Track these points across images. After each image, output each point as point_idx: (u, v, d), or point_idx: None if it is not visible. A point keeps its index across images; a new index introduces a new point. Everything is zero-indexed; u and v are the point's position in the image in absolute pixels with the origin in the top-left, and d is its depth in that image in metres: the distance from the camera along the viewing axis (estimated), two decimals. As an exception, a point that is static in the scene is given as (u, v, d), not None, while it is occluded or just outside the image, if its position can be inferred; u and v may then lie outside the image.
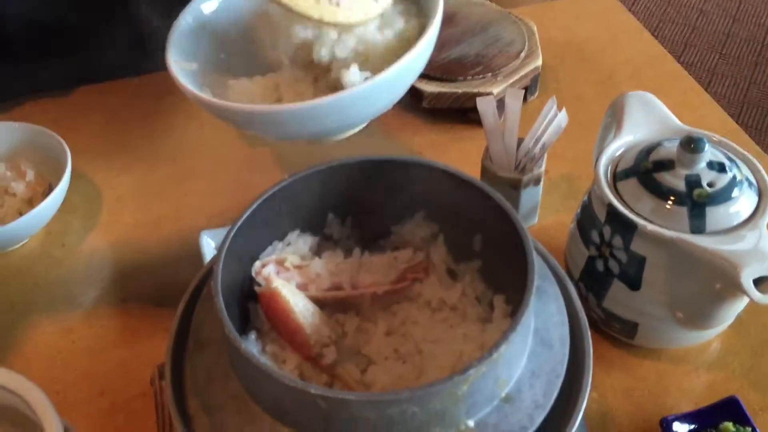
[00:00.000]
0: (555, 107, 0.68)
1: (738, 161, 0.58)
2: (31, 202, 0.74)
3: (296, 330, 0.46)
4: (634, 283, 0.57)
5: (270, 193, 0.49)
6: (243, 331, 0.48)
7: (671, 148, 0.57)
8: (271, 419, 0.41)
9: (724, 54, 2.21)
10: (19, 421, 0.49)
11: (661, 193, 0.55)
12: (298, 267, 0.50)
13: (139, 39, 0.88)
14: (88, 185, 0.80)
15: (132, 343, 0.65)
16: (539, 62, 0.85)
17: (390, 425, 0.38)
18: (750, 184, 0.56)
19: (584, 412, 0.44)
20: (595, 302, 0.61)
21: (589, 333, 0.47)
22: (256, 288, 0.48)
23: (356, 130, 0.54)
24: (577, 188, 0.77)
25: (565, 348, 0.45)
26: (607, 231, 0.58)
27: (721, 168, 0.56)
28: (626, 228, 0.56)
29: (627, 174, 0.58)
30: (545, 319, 0.46)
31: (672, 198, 0.55)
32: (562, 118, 0.67)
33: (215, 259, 0.45)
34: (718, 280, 0.52)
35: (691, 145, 0.55)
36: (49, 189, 0.73)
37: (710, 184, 0.55)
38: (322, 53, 0.50)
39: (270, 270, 0.49)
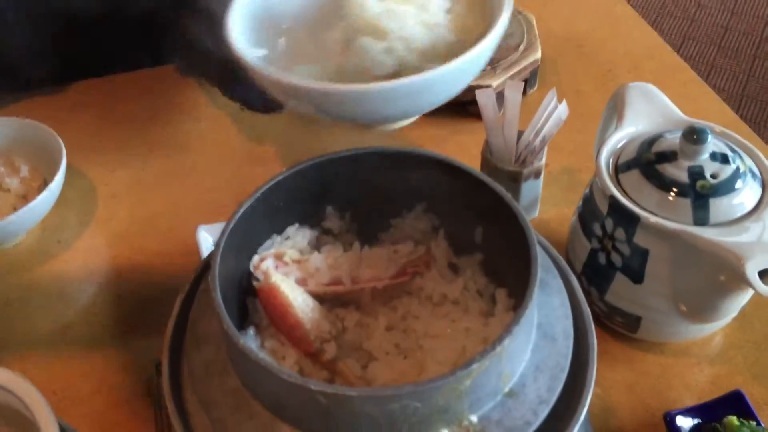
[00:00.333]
0: (555, 99, 0.67)
1: (741, 152, 0.57)
2: (25, 198, 0.73)
3: (296, 325, 0.46)
4: (636, 276, 0.56)
5: (267, 187, 0.48)
6: (241, 326, 0.47)
7: (674, 139, 0.56)
8: (270, 415, 0.41)
9: (723, 47, 2.21)
10: (14, 420, 0.49)
11: (663, 184, 0.55)
12: (296, 261, 0.49)
13: (138, 34, 0.88)
14: (83, 180, 0.79)
15: (129, 340, 0.65)
16: (539, 55, 0.84)
17: (392, 421, 0.38)
18: (753, 175, 0.56)
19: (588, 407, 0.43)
20: (598, 296, 0.60)
21: (593, 326, 0.47)
22: (255, 283, 0.47)
23: (412, 119, 0.53)
24: (577, 181, 0.76)
25: (568, 342, 0.44)
26: (609, 223, 0.57)
27: (724, 159, 0.55)
28: (629, 220, 0.55)
29: (629, 166, 0.57)
30: (548, 312, 0.45)
31: (675, 190, 0.54)
32: (562, 110, 0.66)
33: (213, 254, 0.44)
34: (723, 273, 0.52)
35: (694, 136, 0.54)
36: (44, 184, 0.73)
37: (713, 176, 0.54)
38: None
39: (269, 264, 0.48)
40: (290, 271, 0.48)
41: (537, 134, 0.67)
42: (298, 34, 0.54)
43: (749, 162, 0.57)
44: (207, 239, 0.65)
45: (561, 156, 0.78)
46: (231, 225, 0.45)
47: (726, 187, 0.54)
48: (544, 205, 0.73)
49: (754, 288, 0.49)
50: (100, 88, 0.90)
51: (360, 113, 0.47)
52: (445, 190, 0.50)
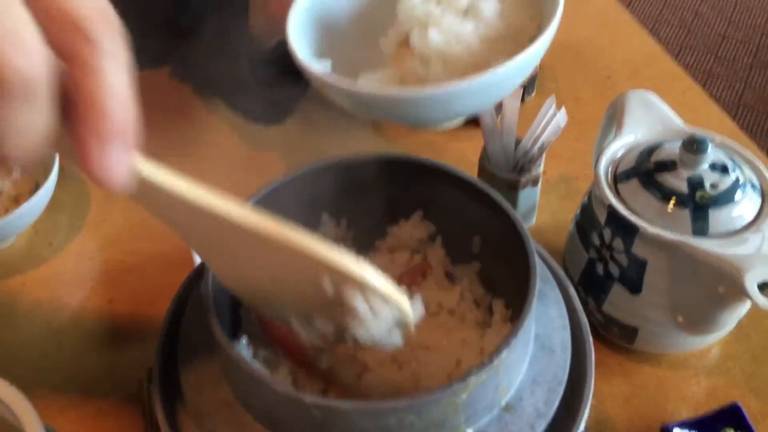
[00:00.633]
0: (554, 107, 0.66)
1: (741, 163, 0.57)
2: (17, 201, 0.72)
3: (289, 333, 0.45)
4: (634, 286, 0.56)
5: (263, 194, 0.47)
6: (234, 334, 0.46)
7: (673, 148, 0.56)
8: (262, 428, 0.40)
9: (720, 56, 2.21)
10: (0, 426, 0.48)
11: (662, 194, 0.54)
12: None
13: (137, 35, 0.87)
14: (76, 183, 0.78)
15: (120, 346, 0.64)
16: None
17: (386, 434, 0.37)
18: (753, 186, 0.55)
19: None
20: (595, 306, 0.59)
21: (591, 338, 0.46)
22: None
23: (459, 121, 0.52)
24: (575, 189, 0.76)
25: (566, 353, 0.44)
26: (607, 233, 0.56)
27: (723, 170, 0.55)
28: (627, 230, 0.54)
29: (628, 175, 0.56)
30: (546, 323, 0.45)
31: (674, 200, 0.54)
32: (560, 117, 0.66)
33: (206, 260, 0.43)
34: (721, 284, 0.51)
35: (694, 145, 0.54)
36: (36, 187, 0.72)
37: (713, 186, 0.54)
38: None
39: None
40: None
41: (535, 142, 0.67)
42: (357, 39, 0.54)
43: (749, 173, 0.56)
44: (200, 244, 0.65)
45: (559, 163, 0.77)
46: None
47: (725, 198, 0.53)
48: (542, 213, 0.73)
49: (753, 300, 0.48)
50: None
51: (425, 115, 0.47)
52: (443, 198, 0.49)
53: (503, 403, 0.40)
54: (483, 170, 0.69)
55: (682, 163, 0.55)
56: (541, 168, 0.68)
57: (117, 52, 0.27)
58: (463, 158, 0.73)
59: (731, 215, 0.53)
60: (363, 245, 0.52)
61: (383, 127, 0.82)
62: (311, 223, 0.52)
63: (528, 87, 0.85)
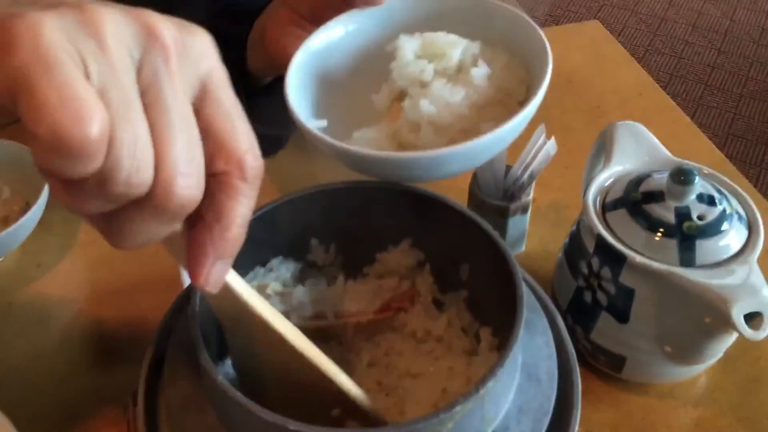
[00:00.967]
0: (544, 135, 0.67)
1: (728, 194, 0.57)
2: (6, 221, 0.72)
3: None
4: (622, 315, 0.56)
5: (251, 219, 0.47)
6: (221, 355, 0.46)
7: (661, 179, 0.56)
8: (247, 454, 0.40)
9: (710, 85, 2.23)
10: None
11: (650, 224, 0.54)
12: (279, 294, 0.49)
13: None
14: (66, 204, 0.78)
15: (107, 369, 0.63)
16: (528, 89, 0.85)
17: (371, 463, 0.37)
18: (740, 217, 0.56)
19: (572, 451, 0.42)
20: (583, 334, 0.59)
21: (578, 367, 0.46)
22: None
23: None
24: (564, 217, 0.76)
25: (553, 383, 0.44)
26: (595, 262, 0.57)
27: (711, 201, 0.55)
28: (615, 259, 0.55)
29: (616, 205, 0.57)
30: (533, 352, 0.45)
31: (661, 230, 0.54)
32: (550, 146, 0.66)
33: (193, 285, 0.43)
34: (708, 315, 0.52)
35: (681, 177, 0.54)
36: (26, 207, 0.72)
37: (700, 217, 0.54)
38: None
39: None
40: (273, 304, 0.47)
41: (525, 169, 0.67)
42: (354, 93, 0.55)
43: (735, 204, 0.57)
44: (189, 267, 0.64)
45: (548, 192, 0.78)
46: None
47: (712, 229, 0.54)
48: (531, 241, 0.73)
49: (739, 331, 0.49)
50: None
51: (416, 175, 0.49)
52: (432, 226, 0.49)
53: (489, 432, 0.40)
54: (473, 197, 0.69)
55: (670, 193, 0.55)
56: (531, 196, 0.69)
57: (256, 191, 0.32)
58: (453, 184, 0.73)
59: (718, 246, 0.53)
60: (352, 270, 0.52)
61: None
62: (300, 248, 0.52)
63: (519, 115, 0.85)
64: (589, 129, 0.84)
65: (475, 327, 0.49)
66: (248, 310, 0.39)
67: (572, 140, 0.82)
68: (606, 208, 0.57)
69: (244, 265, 0.49)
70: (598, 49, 1.01)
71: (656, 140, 0.62)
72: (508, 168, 0.68)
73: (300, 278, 0.52)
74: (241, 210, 0.31)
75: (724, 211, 0.55)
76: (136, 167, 0.26)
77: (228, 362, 0.46)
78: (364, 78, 0.55)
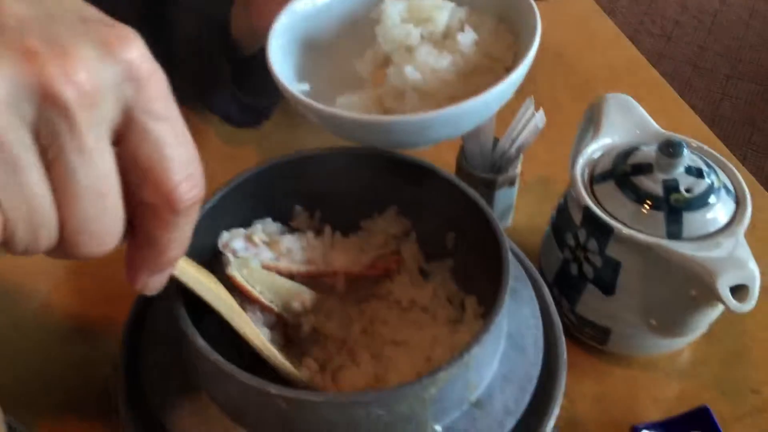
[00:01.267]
0: (532, 108, 0.66)
1: (716, 168, 0.57)
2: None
3: (267, 308, 0.44)
4: (608, 288, 0.56)
5: (234, 184, 0.46)
6: (201, 320, 0.45)
7: (649, 152, 0.56)
8: (229, 421, 0.39)
9: (699, 66, 2.23)
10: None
11: (638, 196, 0.54)
12: (266, 243, 0.47)
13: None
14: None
15: (87, 336, 0.63)
16: (517, 63, 0.84)
17: (354, 429, 0.37)
18: (727, 191, 0.55)
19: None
20: (568, 307, 0.59)
21: (563, 338, 0.46)
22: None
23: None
24: (552, 192, 0.76)
25: (538, 352, 0.43)
26: (582, 234, 0.56)
27: (699, 174, 0.55)
28: (602, 231, 0.54)
29: (604, 177, 0.56)
30: (519, 322, 0.45)
31: (649, 202, 0.54)
32: (539, 119, 0.65)
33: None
34: (694, 287, 0.51)
35: (670, 149, 0.54)
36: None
37: (688, 190, 0.54)
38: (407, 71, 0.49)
39: (237, 245, 0.46)
40: (260, 252, 0.46)
41: (513, 142, 0.66)
42: (338, 60, 0.54)
43: (723, 177, 0.56)
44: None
45: (536, 166, 0.77)
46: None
47: (700, 202, 0.53)
48: (518, 215, 0.72)
49: (724, 304, 0.49)
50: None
51: (400, 141, 0.48)
52: (418, 194, 0.49)
53: (473, 399, 0.40)
54: (460, 169, 0.69)
55: (658, 166, 0.55)
56: (519, 169, 0.68)
57: (191, 220, 0.29)
58: (440, 156, 0.72)
59: (705, 219, 0.53)
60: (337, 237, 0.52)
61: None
62: (285, 214, 0.51)
63: (508, 88, 0.85)
64: (578, 104, 0.83)
65: (461, 296, 0.49)
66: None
67: (561, 115, 0.81)
68: (594, 180, 0.57)
69: (225, 226, 0.48)
70: (587, 24, 1.00)
71: (645, 113, 0.62)
72: (496, 141, 0.68)
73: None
74: (174, 236, 0.29)
75: (712, 184, 0.55)
76: (34, 236, 0.25)
77: (208, 328, 0.45)
78: (350, 44, 0.54)
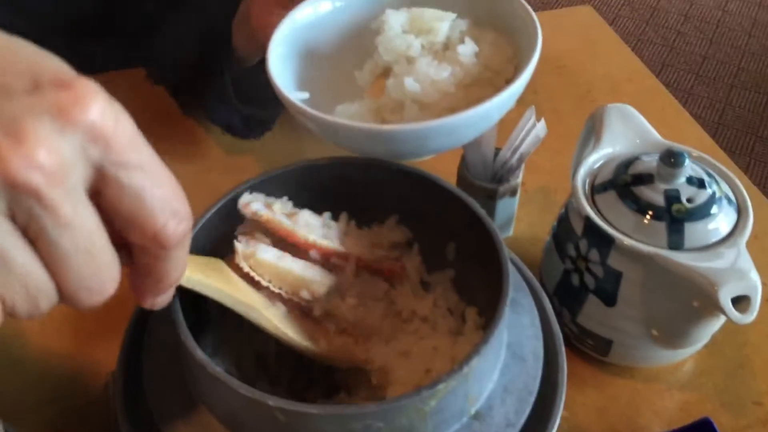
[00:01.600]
0: (533, 118, 0.66)
1: (717, 177, 0.57)
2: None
3: (275, 295, 0.44)
4: (609, 298, 0.56)
5: (235, 193, 0.46)
6: (200, 333, 0.45)
7: (651, 162, 0.56)
8: (226, 431, 0.39)
9: (701, 75, 2.23)
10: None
11: (639, 207, 0.54)
12: (286, 214, 0.46)
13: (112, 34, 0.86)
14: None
15: (87, 347, 0.62)
16: (518, 73, 0.84)
17: (352, 441, 0.36)
18: (729, 201, 0.55)
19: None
20: (570, 317, 0.59)
21: (564, 348, 0.46)
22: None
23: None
24: (553, 202, 0.76)
25: (538, 363, 0.43)
26: (583, 244, 0.56)
27: (700, 184, 0.55)
28: (603, 242, 0.54)
29: (605, 187, 0.56)
30: (519, 332, 0.44)
31: (650, 212, 0.54)
32: (540, 129, 0.65)
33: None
34: (696, 298, 0.51)
35: (672, 159, 0.54)
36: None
37: (689, 200, 0.54)
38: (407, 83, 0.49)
39: (257, 207, 0.45)
40: (280, 220, 0.45)
41: (514, 152, 0.66)
42: (338, 69, 0.54)
43: (725, 188, 0.56)
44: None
45: (538, 176, 0.77)
46: (193, 232, 0.44)
47: (702, 212, 0.53)
48: (519, 225, 0.72)
49: (726, 315, 0.48)
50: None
51: (399, 150, 0.48)
52: (420, 204, 0.49)
53: (473, 411, 0.39)
54: (462, 179, 0.69)
55: (660, 176, 0.55)
56: (520, 179, 0.68)
57: (184, 249, 0.30)
58: (442, 166, 0.72)
59: (707, 229, 0.53)
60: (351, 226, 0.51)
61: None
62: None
63: (509, 98, 0.85)
64: (579, 114, 0.83)
65: (461, 307, 0.49)
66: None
67: (562, 125, 0.82)
68: (595, 190, 0.57)
69: (228, 240, 0.48)
70: (589, 34, 1.00)
71: (646, 123, 0.62)
72: (497, 150, 0.68)
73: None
74: (170, 266, 0.30)
75: (713, 194, 0.54)
76: (34, 305, 0.26)
77: (207, 339, 0.45)
78: (350, 54, 0.54)
